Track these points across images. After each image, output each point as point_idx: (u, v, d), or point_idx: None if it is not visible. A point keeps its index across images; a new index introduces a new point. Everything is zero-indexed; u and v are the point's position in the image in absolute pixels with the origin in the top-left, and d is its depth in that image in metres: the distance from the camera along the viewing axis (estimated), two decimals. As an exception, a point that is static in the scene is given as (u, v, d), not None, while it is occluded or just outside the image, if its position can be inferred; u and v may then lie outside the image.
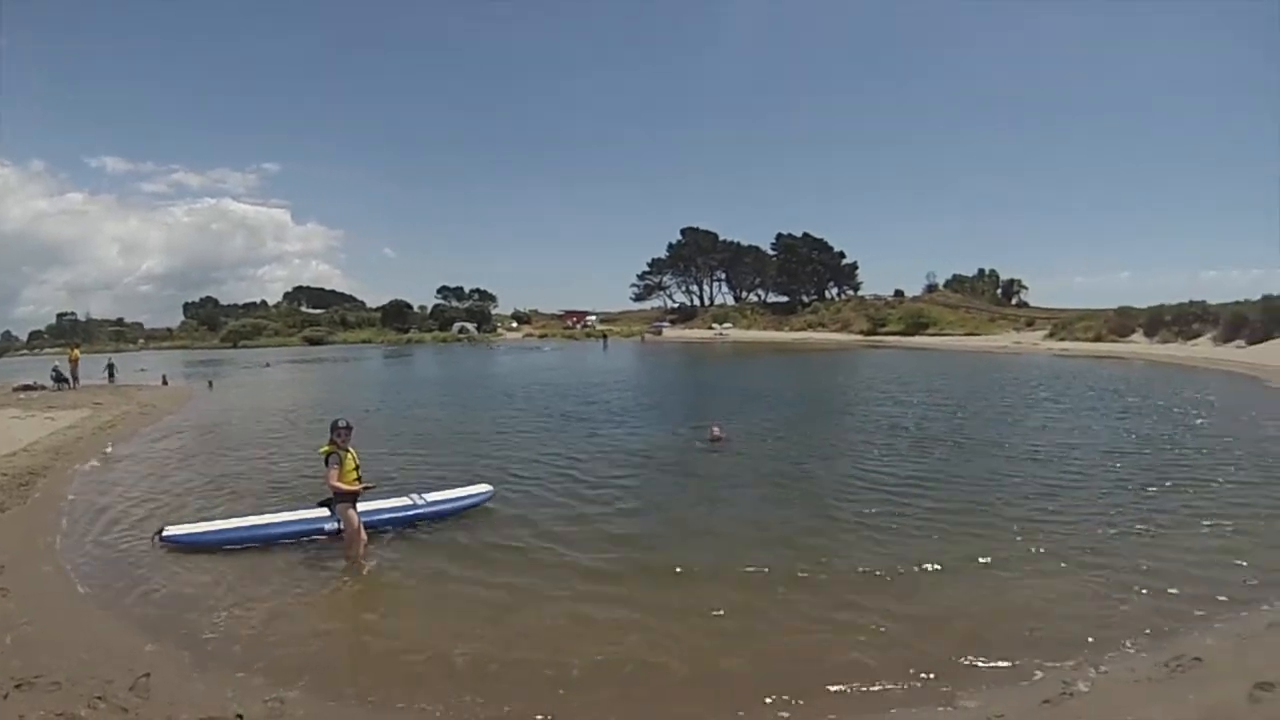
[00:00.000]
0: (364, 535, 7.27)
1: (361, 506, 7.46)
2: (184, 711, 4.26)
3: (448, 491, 9.17)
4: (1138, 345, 42.97)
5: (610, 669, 4.92)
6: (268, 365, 45.46)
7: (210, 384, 28.91)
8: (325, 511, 7.49)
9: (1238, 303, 40.03)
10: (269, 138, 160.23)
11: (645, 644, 5.26)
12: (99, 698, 4.36)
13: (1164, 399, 19.42)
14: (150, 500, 9.69)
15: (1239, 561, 6.67)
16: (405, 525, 8.30)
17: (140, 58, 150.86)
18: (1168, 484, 9.63)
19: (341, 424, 7.21)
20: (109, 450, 13.29)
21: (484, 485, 9.59)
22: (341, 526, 7.29)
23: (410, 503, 8.66)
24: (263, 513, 8.55)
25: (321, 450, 7.19)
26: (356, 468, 7.27)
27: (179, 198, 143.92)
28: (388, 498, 8.74)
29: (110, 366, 31.37)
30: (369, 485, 7.46)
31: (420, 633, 5.53)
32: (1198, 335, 40.60)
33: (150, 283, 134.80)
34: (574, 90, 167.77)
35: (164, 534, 7.69)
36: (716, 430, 13.26)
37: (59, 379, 26.06)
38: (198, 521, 8.19)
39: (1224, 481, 9.75)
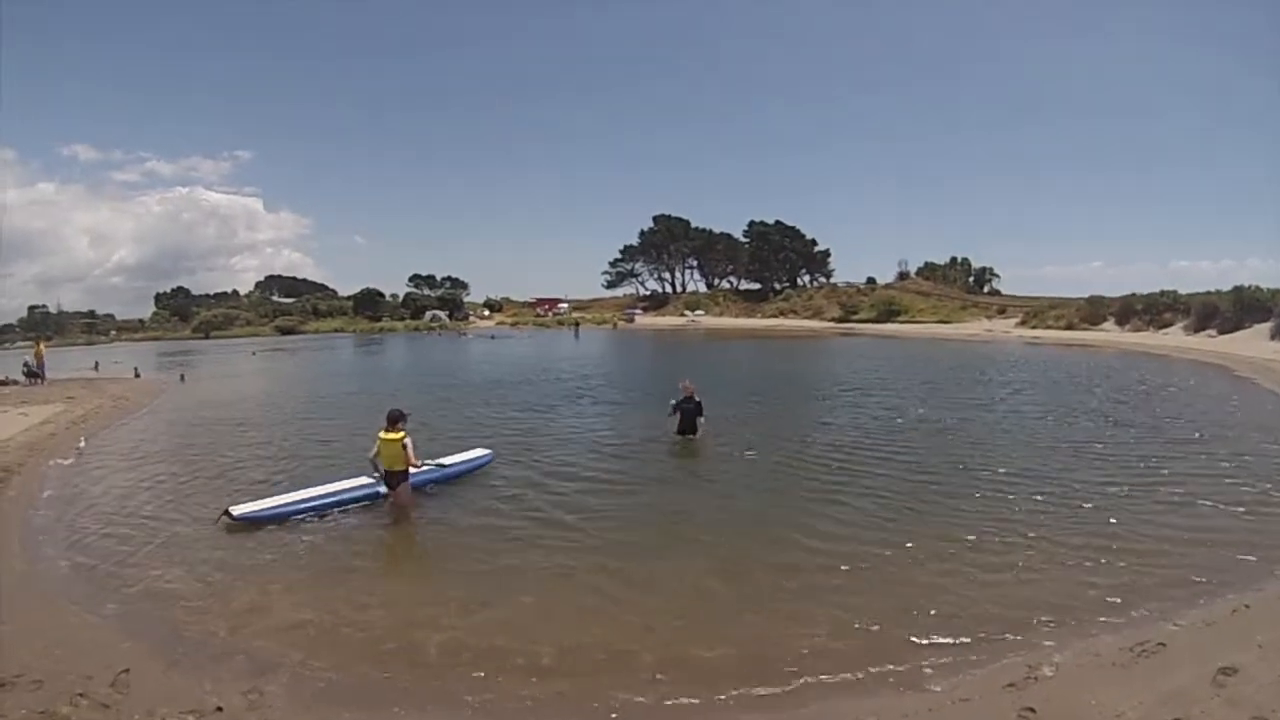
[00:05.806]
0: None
1: None
2: (164, 705, 4.33)
3: (459, 455, 10.68)
4: (1110, 334, 43.31)
5: (580, 655, 5.02)
6: (254, 353, 46.08)
7: (182, 377, 28.28)
8: (366, 480, 8.94)
9: (1208, 293, 40.21)
10: (243, 124, 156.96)
11: (615, 630, 5.40)
12: (80, 695, 4.43)
13: (1133, 387, 19.75)
14: (126, 495, 9.64)
15: (1204, 547, 6.80)
16: (441, 482, 9.72)
17: (114, 41, 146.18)
18: (1133, 471, 9.79)
19: (397, 413, 8.69)
20: (82, 445, 13.16)
21: (483, 449, 11.25)
22: (399, 495, 8.61)
23: (438, 465, 9.86)
24: (320, 484, 9.13)
25: (391, 437, 8.51)
26: None
27: (151, 187, 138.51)
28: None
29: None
30: (427, 462, 9.32)
31: (396, 620, 5.66)
32: (1169, 324, 41.09)
33: (121, 274, 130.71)
34: (546, 78, 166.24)
35: (233, 513, 8.03)
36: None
37: (30, 374, 25.65)
38: (261, 499, 8.62)
39: (1190, 468, 9.89)
